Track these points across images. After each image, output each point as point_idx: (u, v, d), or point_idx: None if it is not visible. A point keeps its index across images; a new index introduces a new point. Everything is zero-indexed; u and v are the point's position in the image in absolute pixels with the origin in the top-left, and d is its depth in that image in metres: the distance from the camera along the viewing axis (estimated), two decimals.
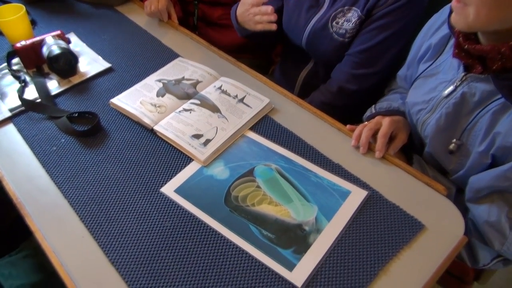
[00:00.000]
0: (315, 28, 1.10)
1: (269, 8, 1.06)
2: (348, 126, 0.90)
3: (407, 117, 0.94)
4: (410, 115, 0.92)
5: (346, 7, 1.05)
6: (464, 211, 0.87)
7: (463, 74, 0.78)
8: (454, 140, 0.81)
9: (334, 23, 1.07)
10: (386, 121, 0.87)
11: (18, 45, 1.05)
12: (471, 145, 0.79)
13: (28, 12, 1.29)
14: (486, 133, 0.75)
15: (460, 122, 0.80)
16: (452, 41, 0.83)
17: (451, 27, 0.77)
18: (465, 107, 0.78)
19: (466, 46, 0.72)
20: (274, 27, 1.08)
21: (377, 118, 0.89)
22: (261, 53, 1.55)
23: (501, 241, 0.76)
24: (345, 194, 0.78)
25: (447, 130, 0.82)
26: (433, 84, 0.86)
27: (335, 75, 1.12)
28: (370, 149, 0.87)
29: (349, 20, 1.04)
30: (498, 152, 0.75)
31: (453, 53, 0.75)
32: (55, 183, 0.82)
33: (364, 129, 0.86)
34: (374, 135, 0.87)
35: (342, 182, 0.80)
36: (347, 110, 1.15)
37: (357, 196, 0.77)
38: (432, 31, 0.91)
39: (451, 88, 0.80)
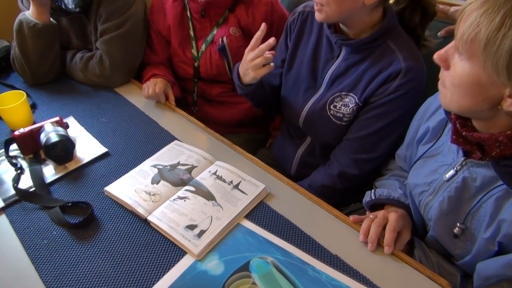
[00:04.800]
0: (312, 110, 1.12)
1: (266, 45, 1.04)
2: (351, 218, 0.89)
3: (409, 210, 0.92)
4: (412, 196, 0.91)
5: (343, 93, 1.07)
6: None
7: (462, 159, 0.77)
8: (458, 224, 0.79)
9: (331, 106, 1.08)
10: (393, 216, 0.86)
11: (17, 133, 1.06)
12: (476, 229, 0.77)
13: (29, 95, 1.33)
14: (491, 220, 0.74)
15: (463, 206, 0.78)
16: (450, 125, 0.84)
17: (447, 112, 0.78)
18: (467, 191, 0.77)
19: (464, 133, 0.72)
20: (271, 66, 1.06)
21: (383, 212, 0.88)
22: (259, 127, 1.57)
23: None
24: None
25: (451, 213, 0.80)
26: (433, 166, 0.85)
27: (336, 159, 1.12)
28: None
29: (346, 105, 1.06)
30: (505, 240, 0.72)
31: (451, 139, 0.76)
32: (44, 282, 0.79)
33: (372, 225, 0.84)
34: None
35: (341, 276, 0.77)
36: (348, 192, 1.13)
37: None
38: (429, 114, 0.91)
39: (451, 172, 0.80)
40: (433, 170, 0.85)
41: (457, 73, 0.67)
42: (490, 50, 0.60)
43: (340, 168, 1.10)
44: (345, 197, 1.16)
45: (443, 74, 0.71)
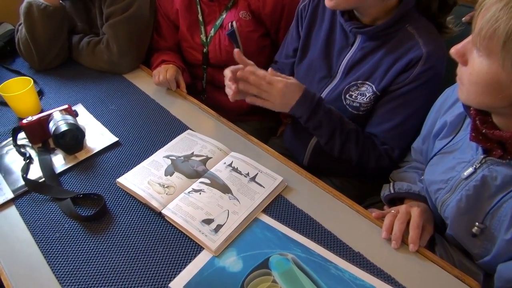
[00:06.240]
0: (327, 99, 1.08)
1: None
2: (374, 214, 0.86)
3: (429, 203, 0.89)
4: (428, 193, 0.88)
5: (359, 81, 1.02)
6: None
7: (482, 156, 0.74)
8: (477, 223, 0.76)
9: (347, 95, 1.04)
10: (416, 212, 0.83)
11: (25, 121, 1.02)
12: (495, 230, 0.74)
13: (36, 82, 1.29)
14: None
15: (483, 205, 0.75)
16: (468, 120, 0.80)
17: (466, 108, 0.74)
18: (486, 190, 0.74)
19: (484, 130, 0.69)
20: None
21: (405, 207, 0.84)
22: (269, 115, 1.53)
23: None
24: None
25: (469, 212, 0.77)
26: (451, 163, 0.82)
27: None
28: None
29: (363, 94, 1.02)
30: None
31: (470, 137, 0.72)
32: (57, 277, 0.76)
33: (396, 222, 0.82)
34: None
35: (364, 275, 0.74)
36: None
37: None
38: (446, 107, 0.88)
39: (470, 170, 0.76)
40: (451, 167, 0.81)
41: (475, 70, 0.63)
42: (509, 47, 0.56)
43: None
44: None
45: (461, 70, 0.67)
